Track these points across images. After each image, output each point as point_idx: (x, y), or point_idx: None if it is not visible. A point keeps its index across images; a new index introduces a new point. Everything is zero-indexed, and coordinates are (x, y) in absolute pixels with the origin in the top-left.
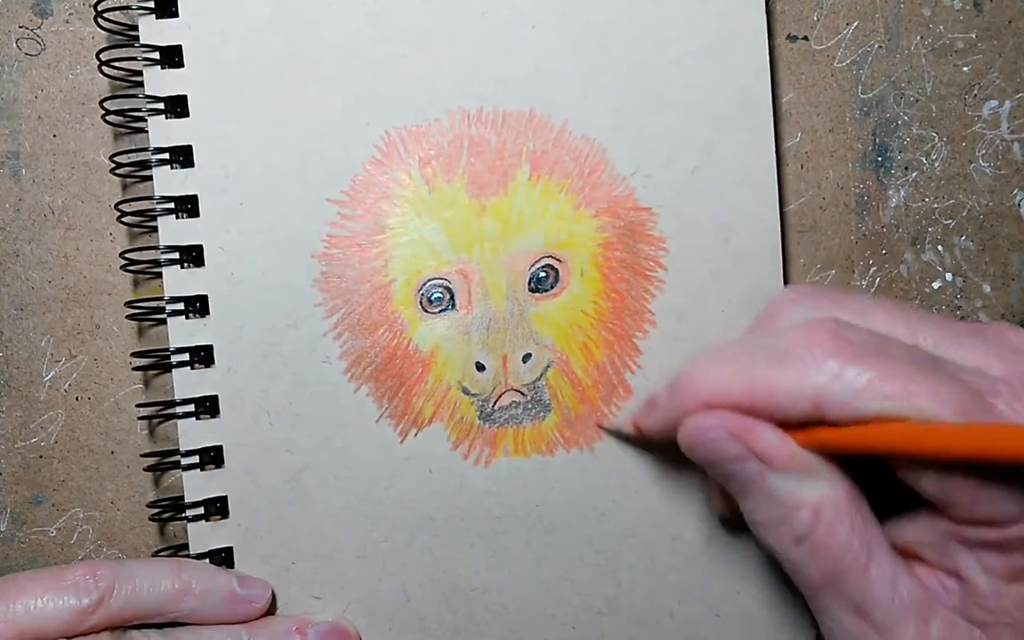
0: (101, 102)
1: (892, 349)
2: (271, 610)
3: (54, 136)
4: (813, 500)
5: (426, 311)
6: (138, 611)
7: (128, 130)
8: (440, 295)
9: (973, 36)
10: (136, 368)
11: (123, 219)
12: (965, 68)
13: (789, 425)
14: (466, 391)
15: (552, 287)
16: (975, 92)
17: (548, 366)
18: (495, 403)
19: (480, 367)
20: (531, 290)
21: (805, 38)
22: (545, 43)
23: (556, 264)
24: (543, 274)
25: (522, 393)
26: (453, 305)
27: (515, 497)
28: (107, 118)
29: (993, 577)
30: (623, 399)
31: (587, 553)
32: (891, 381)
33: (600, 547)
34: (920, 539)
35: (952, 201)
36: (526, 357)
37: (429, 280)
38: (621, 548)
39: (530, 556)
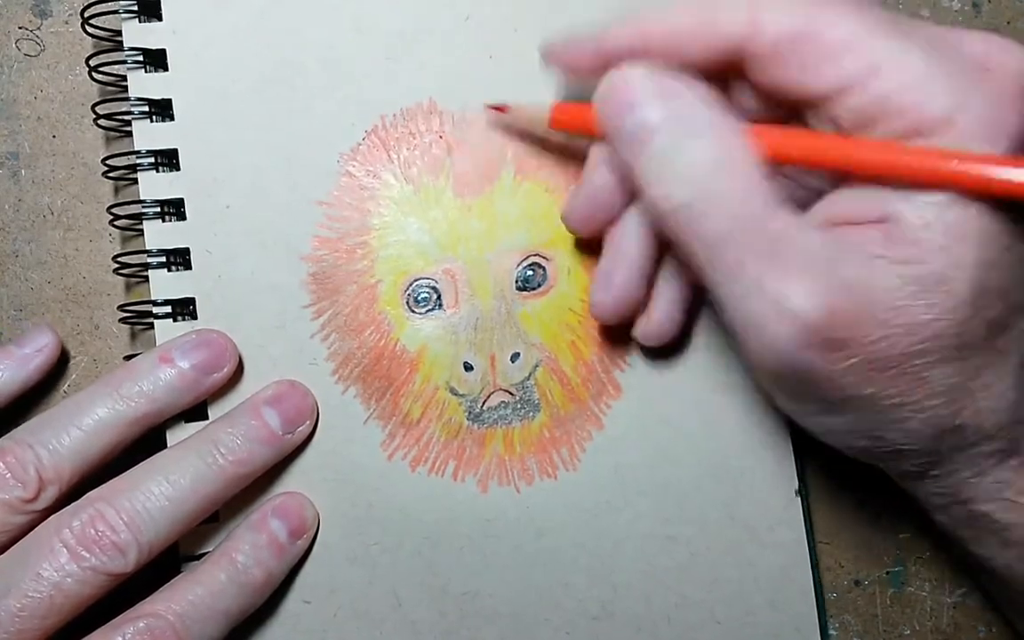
0: (93, 106)
1: None
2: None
3: (53, 137)
4: (712, 150)
5: (413, 311)
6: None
7: (122, 133)
8: (427, 295)
9: None
10: None
11: (115, 223)
12: None
13: (722, 54)
14: (454, 392)
15: (539, 285)
16: None
17: (537, 365)
18: (484, 403)
19: (468, 367)
20: (518, 289)
21: None
22: (528, 47)
23: (543, 262)
24: (530, 272)
25: (511, 393)
26: (440, 305)
27: (505, 500)
28: (99, 122)
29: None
30: (613, 397)
31: (580, 556)
32: None
33: (593, 550)
34: (843, 208)
35: None
36: (514, 356)
37: (416, 280)
38: (615, 551)
39: (521, 559)
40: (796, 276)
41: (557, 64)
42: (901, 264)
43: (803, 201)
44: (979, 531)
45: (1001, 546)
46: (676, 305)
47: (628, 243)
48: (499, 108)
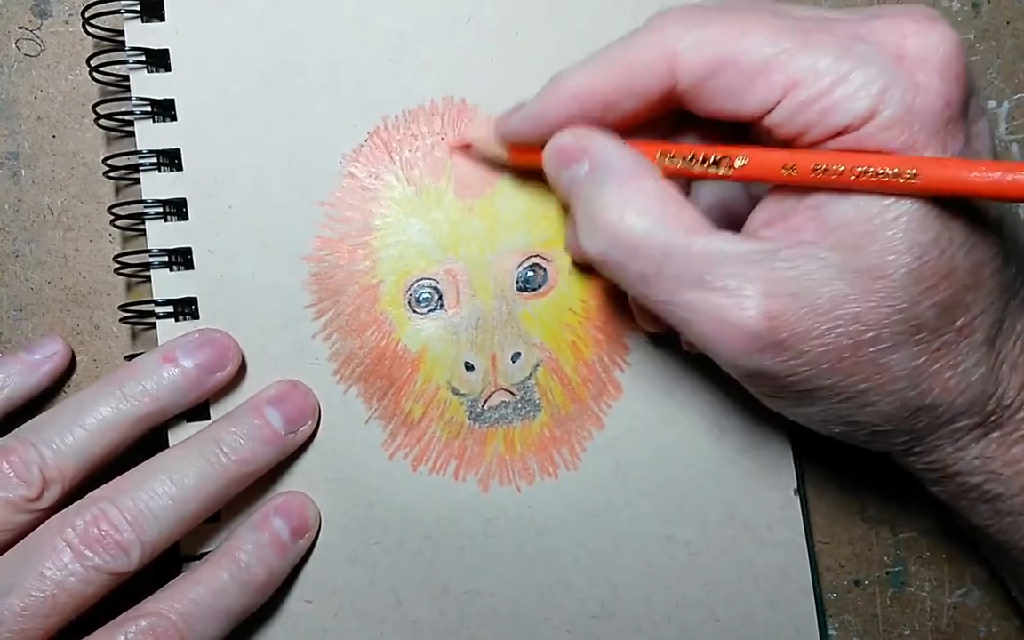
0: (94, 106)
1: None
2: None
3: (53, 137)
4: (620, 195)
5: (414, 311)
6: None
7: (122, 133)
8: (428, 295)
9: (971, 37)
10: None
11: (116, 223)
12: None
13: (651, 100)
14: (455, 391)
15: (540, 286)
16: None
17: (537, 365)
18: (485, 403)
19: (469, 367)
20: (519, 289)
21: None
22: (529, 49)
23: (544, 263)
24: (531, 273)
25: (511, 392)
26: (441, 305)
27: (506, 499)
28: (99, 122)
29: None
30: (613, 397)
31: (580, 556)
32: (730, 24)
33: (594, 550)
34: (778, 206)
35: None
36: (515, 356)
37: (417, 280)
38: (615, 550)
39: (522, 559)
40: (728, 292)
41: (511, 142)
42: (835, 253)
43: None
44: (972, 502)
45: (995, 515)
46: None
47: None
48: (463, 147)
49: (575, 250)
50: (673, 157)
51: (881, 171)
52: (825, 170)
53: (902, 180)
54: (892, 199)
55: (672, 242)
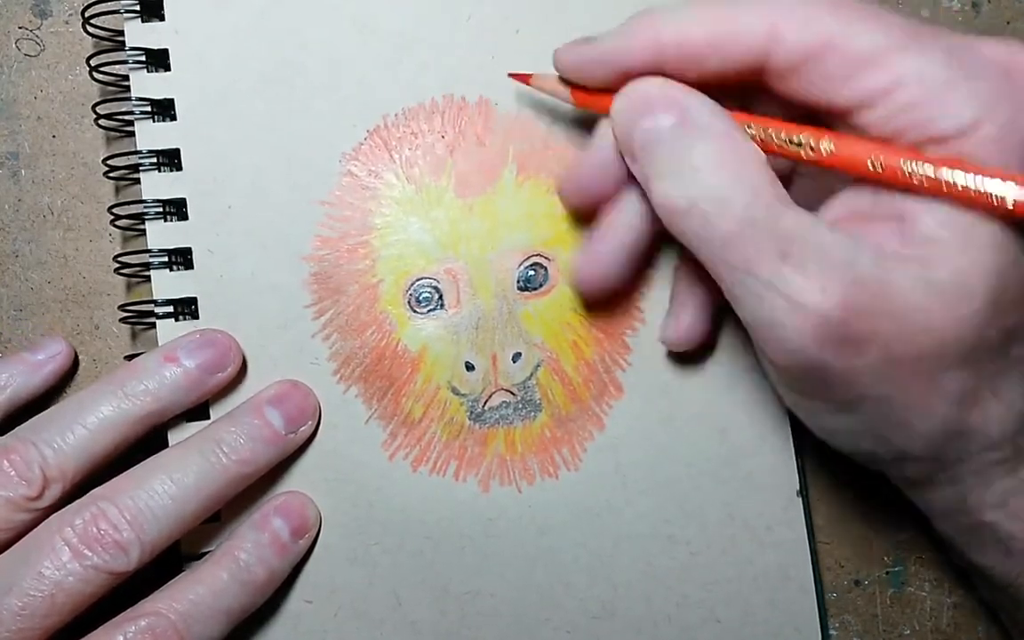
0: (93, 106)
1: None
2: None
3: (53, 137)
4: (718, 153)
5: (415, 311)
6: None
7: (122, 133)
8: (428, 295)
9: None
10: None
11: (116, 223)
12: None
13: (738, 67)
14: (456, 391)
15: (541, 285)
16: None
17: (538, 365)
18: (485, 403)
19: (469, 367)
20: (520, 289)
21: None
22: (529, 47)
23: (545, 262)
24: (531, 272)
25: (512, 393)
26: (442, 304)
27: (506, 499)
28: (99, 122)
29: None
30: (614, 397)
31: (581, 556)
32: (841, 8)
33: (594, 550)
34: (856, 206)
35: None
36: (516, 356)
37: (417, 280)
38: (615, 550)
39: (522, 559)
40: (810, 273)
41: (571, 77)
42: (918, 265)
43: (812, 199)
44: (982, 540)
45: (1003, 555)
46: (702, 312)
47: (620, 221)
48: (522, 77)
49: (576, 182)
50: (757, 129)
51: (975, 187)
52: (912, 173)
53: (994, 200)
54: (980, 218)
55: (762, 210)
